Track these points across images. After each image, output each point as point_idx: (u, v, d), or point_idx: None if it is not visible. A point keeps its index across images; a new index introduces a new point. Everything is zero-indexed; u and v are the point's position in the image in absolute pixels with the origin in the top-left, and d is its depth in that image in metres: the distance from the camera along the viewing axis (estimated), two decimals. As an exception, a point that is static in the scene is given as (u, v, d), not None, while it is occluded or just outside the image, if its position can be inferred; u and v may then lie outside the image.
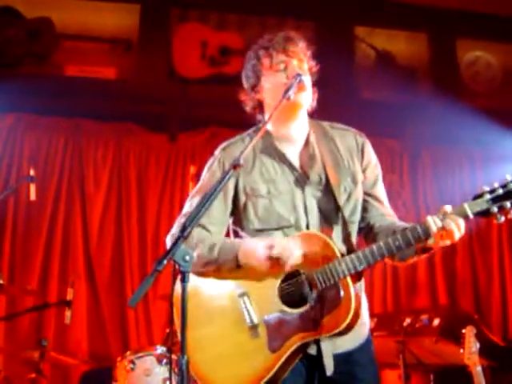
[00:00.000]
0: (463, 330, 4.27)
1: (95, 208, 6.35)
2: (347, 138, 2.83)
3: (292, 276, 2.58)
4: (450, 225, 2.40)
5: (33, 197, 4.89)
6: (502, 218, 2.42)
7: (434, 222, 2.42)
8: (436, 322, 4.87)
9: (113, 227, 6.38)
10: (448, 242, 2.46)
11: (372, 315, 5.41)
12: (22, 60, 6.56)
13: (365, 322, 2.76)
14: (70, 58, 6.69)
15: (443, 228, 2.41)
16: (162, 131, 6.71)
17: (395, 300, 6.67)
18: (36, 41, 6.53)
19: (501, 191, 2.40)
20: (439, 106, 6.66)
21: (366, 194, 2.80)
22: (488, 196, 2.41)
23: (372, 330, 5.14)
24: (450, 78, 7.31)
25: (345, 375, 2.62)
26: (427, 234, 2.44)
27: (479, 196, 2.43)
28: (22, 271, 6.07)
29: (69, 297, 4.91)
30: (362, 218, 2.80)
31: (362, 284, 2.72)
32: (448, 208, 2.44)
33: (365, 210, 2.79)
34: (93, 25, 6.72)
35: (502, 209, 2.40)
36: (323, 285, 2.50)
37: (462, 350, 4.24)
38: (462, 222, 2.42)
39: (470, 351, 4.20)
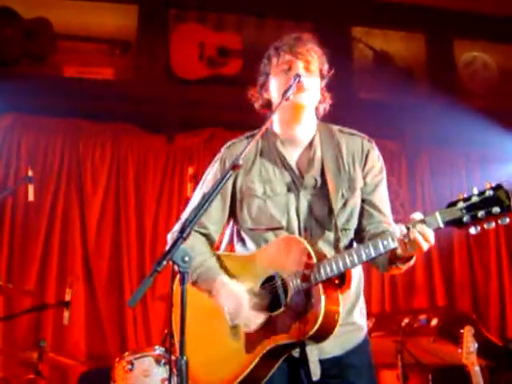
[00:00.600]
0: (461, 330, 4.28)
1: (93, 208, 6.34)
2: (353, 143, 2.81)
3: (270, 279, 2.59)
4: (415, 234, 2.30)
5: (31, 197, 4.89)
6: (478, 228, 2.24)
7: (399, 231, 2.34)
8: (434, 321, 4.88)
9: (111, 228, 6.38)
10: (417, 252, 2.38)
11: (370, 315, 5.43)
12: (20, 60, 6.55)
13: (360, 327, 2.75)
14: (68, 59, 6.68)
15: (407, 237, 2.32)
16: (159, 132, 6.71)
17: (393, 300, 6.68)
18: (33, 41, 6.53)
19: (476, 199, 2.22)
20: (437, 107, 6.66)
21: (363, 200, 2.76)
22: (462, 204, 2.25)
23: (370, 330, 5.14)
24: (447, 78, 7.32)
25: (336, 379, 2.62)
26: (396, 244, 2.36)
27: (453, 203, 2.28)
28: (20, 272, 6.07)
29: (67, 297, 4.91)
30: (358, 224, 2.77)
31: (359, 287, 2.73)
32: (418, 216, 2.34)
33: (361, 215, 2.76)
34: (91, 25, 6.71)
35: (475, 219, 2.21)
36: (296, 289, 2.50)
37: (460, 350, 4.25)
38: (428, 231, 2.30)
39: (468, 351, 4.21)
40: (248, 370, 2.55)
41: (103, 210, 6.39)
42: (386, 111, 6.60)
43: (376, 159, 2.81)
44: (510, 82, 7.42)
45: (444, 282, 6.79)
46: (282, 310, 2.53)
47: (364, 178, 2.77)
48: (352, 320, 2.68)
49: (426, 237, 2.31)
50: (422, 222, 2.32)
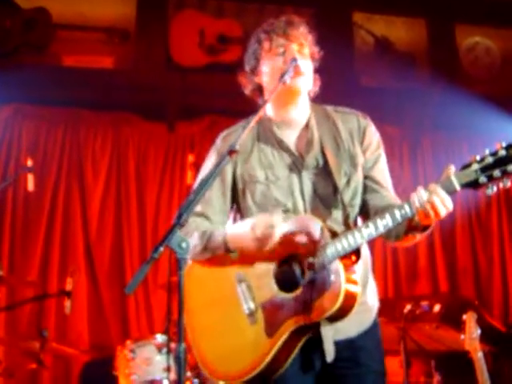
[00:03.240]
0: (464, 316, 4.26)
1: (94, 198, 6.34)
2: (349, 121, 2.80)
3: (287, 260, 2.56)
4: (433, 200, 2.31)
5: (31, 187, 4.89)
6: (494, 188, 2.26)
7: (417, 199, 2.35)
8: (436, 308, 4.86)
9: (112, 217, 6.38)
10: (435, 219, 2.37)
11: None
12: (19, 51, 6.53)
13: (371, 307, 2.75)
14: (67, 48, 6.66)
15: (428, 204, 2.32)
16: (160, 120, 6.69)
17: (396, 286, 6.67)
18: (32, 31, 6.50)
19: (490, 160, 2.25)
20: (438, 92, 6.63)
21: (365, 176, 2.76)
22: (476, 166, 2.28)
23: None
24: (449, 63, 7.27)
25: (348, 361, 2.61)
26: (413, 211, 2.37)
27: (467, 166, 2.31)
28: (21, 262, 6.07)
29: (68, 287, 4.91)
30: (362, 201, 2.76)
31: (367, 265, 2.71)
32: (435, 184, 2.36)
33: (364, 192, 2.76)
34: (89, 14, 6.69)
35: (491, 179, 2.25)
36: (314, 268, 2.48)
37: (462, 336, 4.23)
38: (446, 196, 2.33)
39: (470, 337, 4.19)
40: (271, 355, 2.51)
41: (104, 199, 6.39)
42: (388, 97, 6.58)
43: (373, 135, 2.81)
44: (512, 66, 7.38)
45: (447, 268, 6.78)
46: (299, 290, 2.50)
47: (363, 154, 2.76)
48: (365, 299, 2.67)
49: (444, 202, 2.32)
50: (440, 187, 2.34)
